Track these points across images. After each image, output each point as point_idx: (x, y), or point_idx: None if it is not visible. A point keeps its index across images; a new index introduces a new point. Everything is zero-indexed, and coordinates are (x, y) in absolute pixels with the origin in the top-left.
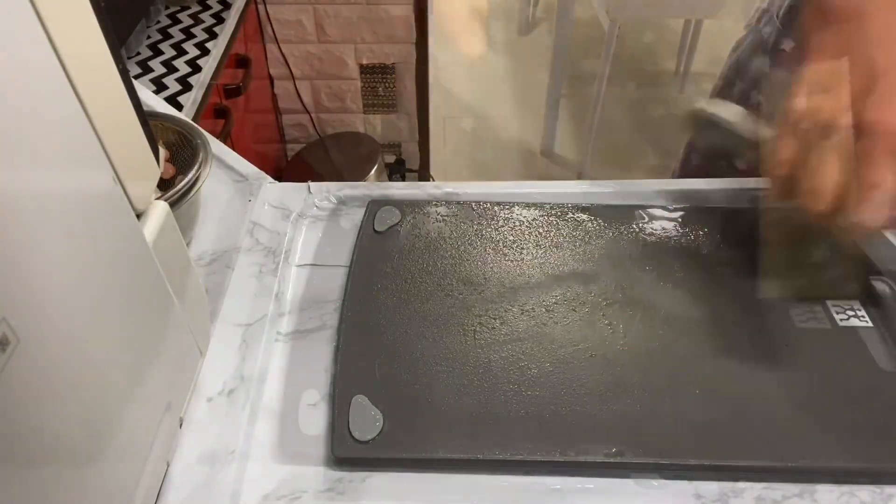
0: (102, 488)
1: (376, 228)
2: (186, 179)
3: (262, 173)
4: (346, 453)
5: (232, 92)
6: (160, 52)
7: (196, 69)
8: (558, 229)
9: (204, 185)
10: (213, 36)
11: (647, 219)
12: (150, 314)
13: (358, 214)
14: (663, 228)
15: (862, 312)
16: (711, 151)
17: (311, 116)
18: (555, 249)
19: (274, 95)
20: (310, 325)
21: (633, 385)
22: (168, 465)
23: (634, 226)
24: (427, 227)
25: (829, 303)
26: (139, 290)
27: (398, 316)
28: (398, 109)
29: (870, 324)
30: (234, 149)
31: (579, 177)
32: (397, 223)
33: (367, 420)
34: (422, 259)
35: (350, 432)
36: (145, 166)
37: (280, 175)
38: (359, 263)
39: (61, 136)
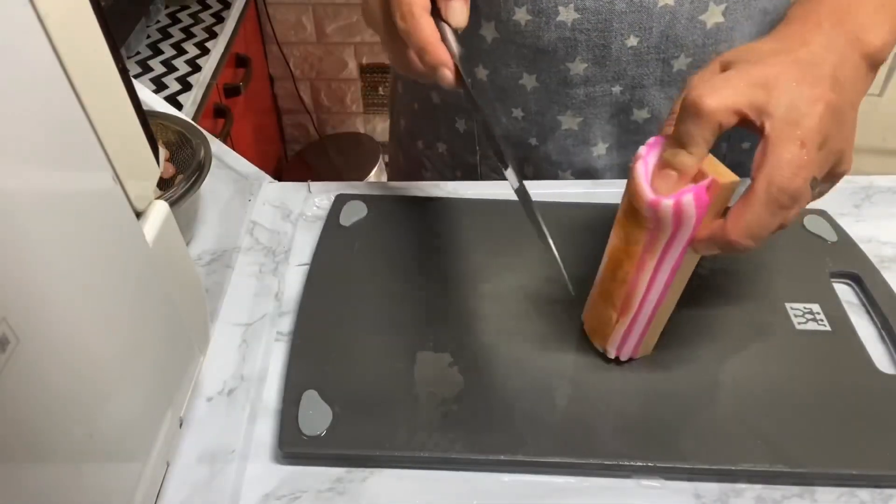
0: (102, 488)
1: (341, 223)
2: (186, 179)
3: (262, 173)
4: (294, 448)
5: (232, 92)
6: (160, 52)
7: (196, 69)
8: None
9: (204, 185)
10: (213, 36)
11: None
12: (149, 314)
13: None
14: None
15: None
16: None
17: (311, 116)
18: (528, 249)
19: (274, 95)
20: None
21: (633, 387)
22: (168, 465)
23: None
24: (394, 222)
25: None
26: (139, 290)
27: (357, 311)
28: None
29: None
30: (234, 149)
31: None
32: (363, 218)
33: (316, 415)
34: (385, 254)
35: (298, 427)
36: (145, 166)
37: (280, 175)
38: (319, 257)
39: (61, 135)
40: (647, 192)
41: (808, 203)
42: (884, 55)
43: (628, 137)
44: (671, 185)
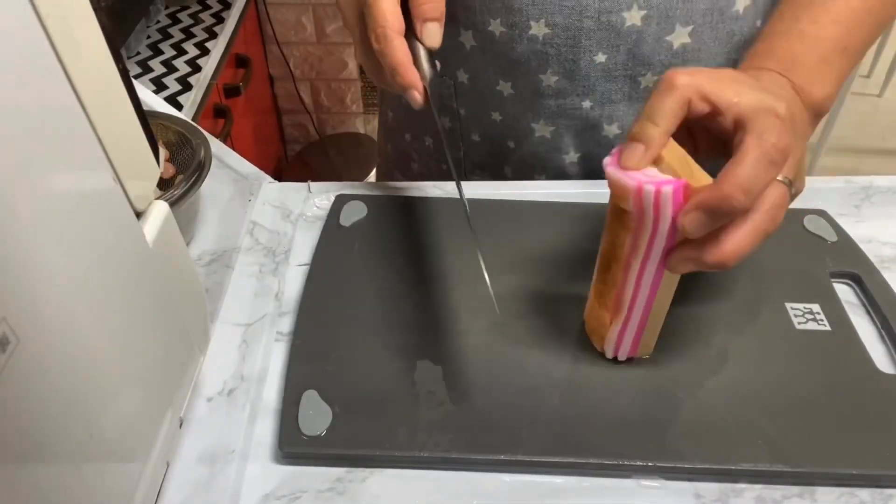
0: (102, 488)
1: (341, 223)
2: (186, 179)
3: (262, 173)
4: (294, 448)
5: (232, 92)
6: (160, 52)
7: (196, 69)
8: (534, 228)
9: (204, 185)
10: (213, 36)
11: None
12: (149, 314)
13: None
14: None
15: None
16: None
17: (311, 116)
18: (530, 249)
19: (274, 95)
20: None
21: (632, 387)
22: (168, 465)
23: None
24: (394, 223)
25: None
26: (139, 290)
27: (357, 311)
28: None
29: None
30: (234, 149)
31: None
32: (363, 218)
33: (316, 415)
34: (385, 254)
35: (298, 427)
36: (145, 166)
37: (280, 175)
38: (319, 258)
39: (61, 135)
40: (627, 180)
41: (789, 197)
42: (827, 107)
43: (600, 151)
44: (638, 157)
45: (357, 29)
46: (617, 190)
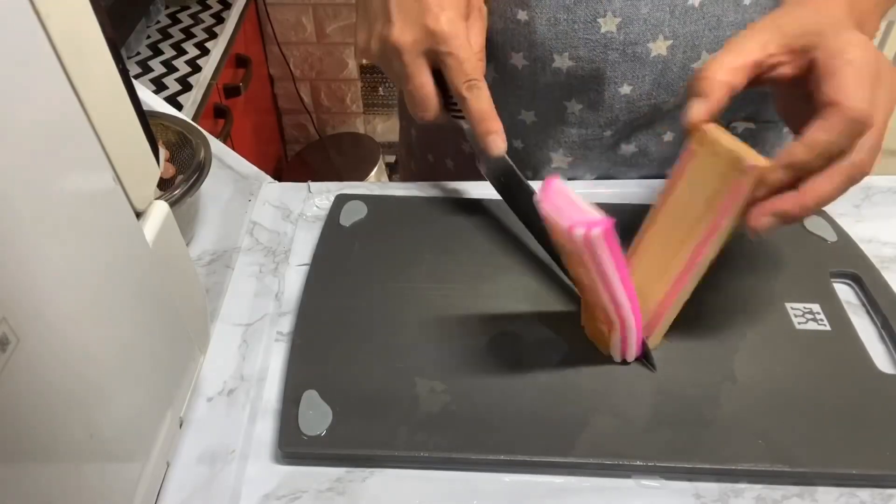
0: (102, 488)
1: (341, 223)
2: (186, 179)
3: (262, 173)
4: (294, 448)
5: (232, 92)
6: (160, 52)
7: (196, 69)
8: (533, 228)
9: (204, 185)
10: (213, 36)
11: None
12: (149, 314)
13: None
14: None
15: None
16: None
17: (311, 117)
18: (530, 248)
19: (274, 95)
20: None
21: (632, 387)
22: (168, 465)
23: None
24: (394, 222)
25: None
26: (139, 290)
27: (356, 311)
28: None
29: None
30: (234, 149)
31: None
32: (363, 218)
33: (316, 415)
34: (385, 254)
35: (298, 427)
36: (145, 166)
37: (280, 175)
38: (320, 257)
39: (61, 136)
40: (561, 221)
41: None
42: None
43: (616, 169)
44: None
45: (420, 72)
46: (550, 227)
